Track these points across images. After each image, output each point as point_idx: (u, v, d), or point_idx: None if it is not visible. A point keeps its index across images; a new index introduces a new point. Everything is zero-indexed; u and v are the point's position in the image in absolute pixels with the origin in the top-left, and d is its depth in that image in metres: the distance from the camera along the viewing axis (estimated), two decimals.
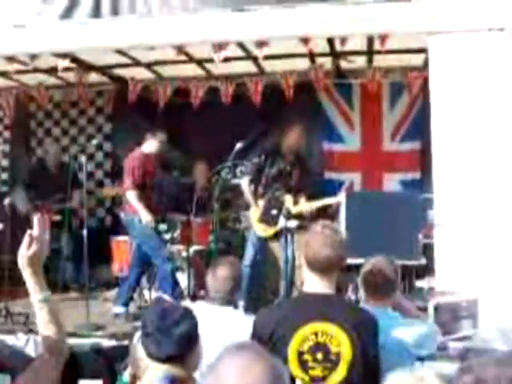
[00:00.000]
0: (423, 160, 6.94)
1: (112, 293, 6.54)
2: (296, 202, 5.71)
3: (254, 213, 5.76)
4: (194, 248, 6.24)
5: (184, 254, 6.12)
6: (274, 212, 5.29)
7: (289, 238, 5.39)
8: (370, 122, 7.24)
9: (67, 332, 5.12)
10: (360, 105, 7.26)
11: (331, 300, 2.68)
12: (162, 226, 6.07)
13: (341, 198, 5.58)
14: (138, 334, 2.14)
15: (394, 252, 4.41)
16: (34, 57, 5.64)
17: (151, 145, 6.05)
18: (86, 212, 5.85)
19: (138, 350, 2.04)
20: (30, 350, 5.07)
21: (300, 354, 2.56)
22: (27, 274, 2.04)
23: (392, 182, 7.07)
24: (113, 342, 5.06)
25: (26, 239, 2.02)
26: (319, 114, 7.23)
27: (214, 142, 6.62)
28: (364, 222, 4.74)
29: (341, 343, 2.56)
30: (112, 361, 4.97)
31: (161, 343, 1.97)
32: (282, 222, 5.24)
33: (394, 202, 5.05)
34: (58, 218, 6.80)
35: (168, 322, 2.00)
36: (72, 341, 5.08)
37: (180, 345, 1.98)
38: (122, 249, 6.64)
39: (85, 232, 5.65)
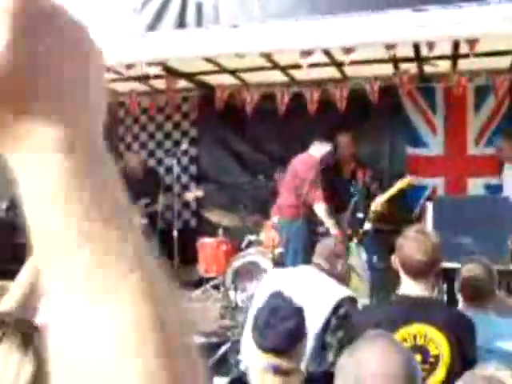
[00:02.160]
0: None
1: (197, 292, 6.77)
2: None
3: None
4: (277, 250, 6.37)
5: (269, 255, 6.25)
6: (361, 215, 5.35)
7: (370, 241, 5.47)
8: (454, 127, 7.17)
9: None
10: (444, 109, 7.20)
11: (429, 302, 2.74)
12: None
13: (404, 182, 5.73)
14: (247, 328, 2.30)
15: (483, 256, 4.41)
16: (129, 66, 5.92)
17: (318, 151, 6.04)
18: (176, 215, 6.07)
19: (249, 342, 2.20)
20: None
21: None
22: None
23: (476, 187, 6.98)
24: (200, 339, 5.25)
25: None
26: (403, 118, 7.22)
27: (299, 147, 6.71)
28: (452, 226, 4.73)
29: (439, 346, 2.61)
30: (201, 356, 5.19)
31: (267, 336, 2.11)
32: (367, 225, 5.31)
33: (483, 205, 5.01)
34: (144, 221, 7.10)
35: (277, 318, 2.14)
36: None
37: (285, 340, 2.11)
38: (208, 250, 6.86)
39: (175, 233, 5.88)
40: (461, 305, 3.15)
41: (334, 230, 5.66)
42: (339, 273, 3.56)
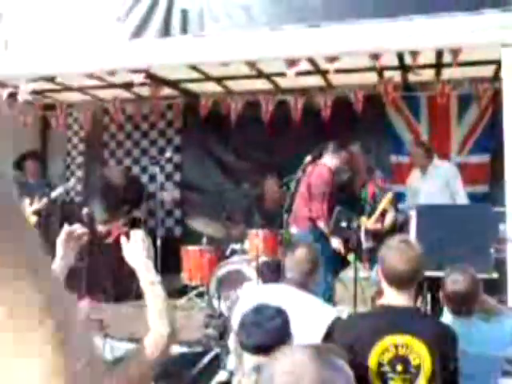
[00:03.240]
0: (492, 173, 6.88)
1: (181, 301, 6.72)
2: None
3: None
4: (262, 259, 6.35)
5: (253, 263, 6.23)
6: (344, 224, 5.34)
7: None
8: (438, 135, 7.21)
9: (140, 338, 5.34)
10: (427, 117, 7.24)
11: (411, 313, 2.74)
12: None
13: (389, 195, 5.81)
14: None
15: (466, 265, 4.42)
16: (111, 73, 5.90)
17: (331, 160, 6.02)
18: (159, 222, 6.05)
19: (233, 343, 2.20)
20: (107, 354, 5.29)
21: (380, 365, 2.63)
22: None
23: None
24: (184, 349, 5.21)
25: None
26: (387, 127, 7.25)
27: (283, 155, 6.73)
28: (434, 234, 4.74)
29: (421, 356, 2.61)
30: (183, 367, 5.14)
31: (253, 334, 2.11)
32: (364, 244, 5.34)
33: (465, 214, 5.02)
34: (127, 228, 7.08)
35: (262, 317, 2.15)
36: None
37: (269, 337, 2.10)
38: (192, 258, 6.81)
39: (158, 242, 5.85)
40: (446, 315, 3.15)
41: (339, 247, 5.68)
42: (314, 283, 3.53)
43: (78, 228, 2.12)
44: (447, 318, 3.10)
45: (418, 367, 2.61)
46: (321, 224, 5.79)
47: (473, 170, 7.05)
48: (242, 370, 2.13)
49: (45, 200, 6.83)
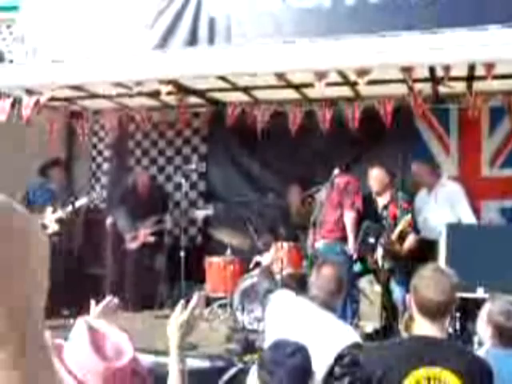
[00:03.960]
0: None
1: (204, 312, 6.66)
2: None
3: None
4: (286, 271, 6.26)
5: (277, 276, 6.15)
6: (372, 240, 5.24)
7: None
8: (468, 148, 7.06)
9: (160, 350, 5.29)
10: (458, 130, 7.09)
11: (444, 345, 2.63)
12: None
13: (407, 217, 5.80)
14: (253, 368, 2.22)
15: (498, 286, 4.30)
16: (139, 83, 5.87)
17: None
18: (183, 231, 6.01)
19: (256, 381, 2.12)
20: None
21: None
22: (174, 338, 2.05)
23: (490, 210, 6.86)
24: (206, 363, 5.14)
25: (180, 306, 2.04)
26: (415, 139, 7.12)
27: (310, 166, 6.64)
28: (466, 255, 4.62)
29: None
30: (205, 382, 5.08)
31: (274, 373, 2.03)
32: (379, 252, 5.20)
33: (499, 235, 4.90)
34: (152, 238, 7.06)
35: (281, 354, 2.07)
36: (166, 359, 5.23)
37: (291, 376, 2.03)
38: (215, 269, 6.76)
39: (182, 253, 5.81)
40: (488, 343, 3.01)
41: (351, 244, 5.58)
42: (339, 303, 3.46)
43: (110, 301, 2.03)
44: (489, 350, 2.95)
45: None
46: (349, 215, 5.88)
47: (504, 184, 6.88)
48: None
49: (69, 208, 6.82)
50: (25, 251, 0.75)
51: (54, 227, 6.78)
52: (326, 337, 3.06)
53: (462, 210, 5.92)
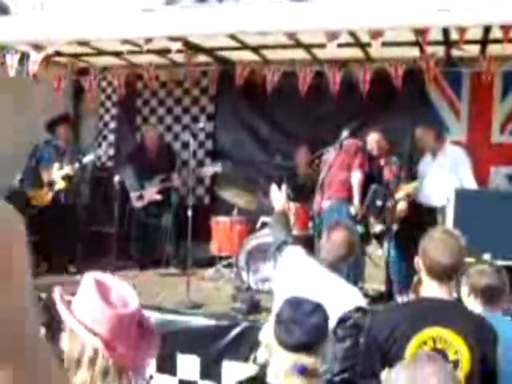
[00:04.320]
0: None
1: (209, 272, 6.72)
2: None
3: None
4: (293, 232, 6.27)
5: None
6: (379, 203, 5.23)
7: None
8: (479, 113, 6.99)
9: (165, 308, 5.33)
10: (469, 95, 7.01)
11: (450, 306, 2.65)
12: None
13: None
14: (266, 325, 2.23)
15: (505, 252, 4.30)
16: (148, 40, 5.79)
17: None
18: (191, 190, 6.02)
19: (271, 338, 2.13)
20: None
21: None
22: None
23: (499, 176, 6.82)
24: (212, 322, 5.20)
25: None
26: (426, 103, 7.04)
27: (319, 127, 6.59)
28: (473, 219, 4.61)
29: (459, 351, 2.52)
30: (211, 340, 5.15)
31: (292, 332, 2.05)
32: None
33: (505, 200, 4.88)
34: (159, 197, 7.05)
35: (300, 313, 2.08)
36: (171, 317, 5.30)
37: (310, 335, 2.05)
38: (222, 229, 6.78)
39: (189, 212, 5.81)
40: (474, 307, 3.03)
41: (356, 208, 5.58)
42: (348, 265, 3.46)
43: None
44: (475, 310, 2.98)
45: (456, 363, 2.52)
46: (356, 176, 5.85)
47: None
48: (278, 367, 2.07)
49: (76, 165, 6.81)
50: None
51: (60, 184, 6.79)
52: (331, 299, 3.07)
53: (465, 175, 5.88)
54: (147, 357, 1.78)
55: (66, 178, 6.81)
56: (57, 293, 1.75)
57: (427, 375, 1.55)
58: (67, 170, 6.79)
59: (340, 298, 3.10)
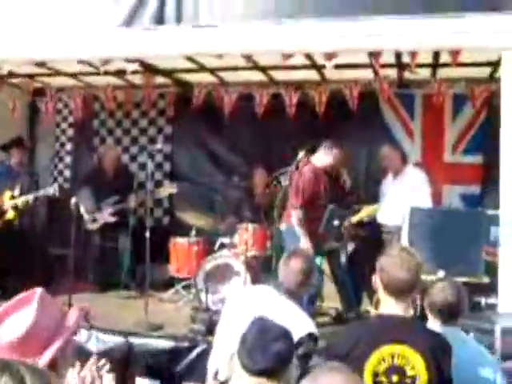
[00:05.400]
0: (484, 174, 6.87)
1: (168, 293, 6.67)
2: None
3: None
4: (251, 253, 6.30)
5: (241, 258, 6.18)
6: (336, 223, 5.30)
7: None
8: (432, 133, 7.19)
9: (124, 331, 5.25)
10: (422, 115, 7.21)
11: (408, 323, 2.70)
12: None
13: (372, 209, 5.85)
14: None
15: (458, 269, 4.41)
16: (106, 62, 5.78)
17: (323, 158, 5.78)
18: (148, 212, 5.99)
19: (234, 359, 2.13)
20: (92, 346, 5.23)
21: (375, 375, 2.59)
22: None
23: (452, 195, 7.01)
24: (171, 343, 5.16)
25: None
26: (381, 123, 7.21)
27: (276, 148, 6.67)
28: (427, 238, 4.72)
29: (416, 367, 2.57)
30: (170, 362, 5.10)
31: (256, 358, 2.05)
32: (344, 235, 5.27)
33: (458, 218, 5.01)
34: (114, 219, 6.98)
35: (266, 338, 2.09)
36: (131, 339, 5.23)
37: (273, 362, 2.05)
38: (180, 250, 6.75)
39: (147, 234, 5.78)
40: (432, 322, 3.10)
41: (304, 241, 5.54)
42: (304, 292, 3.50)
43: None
44: (434, 326, 3.05)
45: (414, 378, 2.57)
46: (293, 220, 5.64)
47: (466, 171, 7.04)
48: None
49: (30, 196, 6.63)
50: None
51: (10, 214, 6.63)
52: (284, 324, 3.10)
53: (424, 197, 6.01)
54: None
55: (17, 208, 6.65)
56: None
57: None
58: (19, 201, 6.61)
59: (292, 324, 3.12)
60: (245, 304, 3.26)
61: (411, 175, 6.20)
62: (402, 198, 5.90)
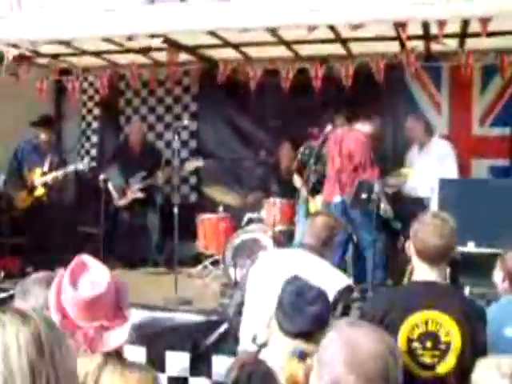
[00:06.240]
0: None
1: (197, 269, 6.72)
2: None
3: None
4: (278, 228, 6.32)
5: (269, 233, 6.20)
6: (364, 196, 5.27)
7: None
8: (459, 106, 7.09)
9: (152, 305, 5.31)
10: (449, 88, 7.11)
11: (442, 289, 2.70)
12: None
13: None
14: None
15: (490, 242, 4.37)
16: (129, 38, 5.79)
17: (366, 126, 5.85)
18: (176, 189, 6.02)
19: (271, 322, 2.15)
20: None
21: (409, 341, 2.59)
22: None
23: (481, 168, 6.93)
24: (200, 317, 5.21)
25: None
26: (407, 97, 7.13)
27: (302, 123, 6.62)
28: (457, 209, 4.67)
29: (450, 332, 2.57)
30: (199, 335, 5.15)
31: (294, 320, 2.07)
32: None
33: (490, 189, 4.95)
34: (142, 195, 7.03)
35: (303, 301, 2.10)
36: (160, 314, 5.30)
37: (312, 323, 2.06)
38: (208, 226, 6.79)
39: (176, 210, 5.82)
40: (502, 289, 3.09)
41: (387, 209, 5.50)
42: (330, 251, 3.50)
43: None
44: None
45: (448, 344, 2.57)
46: (378, 185, 5.42)
47: (494, 143, 6.95)
48: (278, 350, 2.09)
49: (59, 173, 6.72)
50: None
51: (40, 191, 6.72)
52: (319, 280, 3.11)
53: (449, 168, 5.97)
54: (114, 338, 1.93)
55: (47, 185, 6.74)
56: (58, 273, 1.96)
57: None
58: (49, 178, 6.71)
59: (326, 281, 3.13)
60: (275, 266, 3.26)
61: (437, 146, 6.16)
62: (429, 169, 5.87)
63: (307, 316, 2.07)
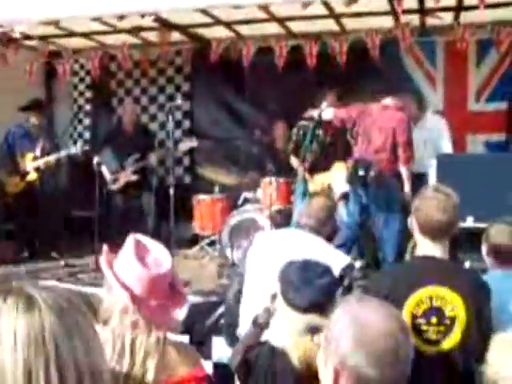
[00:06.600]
0: (509, 121, 6.73)
1: (193, 250, 6.69)
2: None
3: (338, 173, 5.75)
4: (275, 207, 6.27)
5: (266, 212, 6.16)
6: (362, 173, 5.22)
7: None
8: (454, 81, 7.02)
9: None
10: (444, 63, 7.04)
11: (445, 264, 2.66)
12: None
13: None
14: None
15: (489, 216, 4.33)
16: (119, 17, 5.68)
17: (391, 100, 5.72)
18: (171, 169, 5.97)
19: (277, 300, 2.13)
20: None
21: (414, 317, 2.56)
22: None
23: (476, 144, 6.89)
24: (198, 299, 5.18)
25: None
26: (402, 72, 7.06)
27: (297, 101, 6.55)
28: (456, 184, 4.63)
29: (455, 307, 2.54)
30: (199, 316, 5.13)
31: (304, 292, 2.04)
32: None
33: (488, 164, 4.92)
34: (136, 177, 6.95)
35: (311, 274, 2.08)
36: None
37: (322, 294, 2.04)
38: (203, 207, 6.75)
39: (171, 191, 5.77)
40: (492, 266, 3.06)
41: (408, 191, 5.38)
42: (328, 233, 3.48)
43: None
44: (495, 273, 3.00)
45: (453, 319, 2.54)
46: (407, 171, 5.39)
47: (489, 118, 6.90)
48: (286, 327, 2.06)
49: (51, 157, 6.64)
50: None
51: (32, 175, 6.64)
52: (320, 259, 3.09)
53: (444, 144, 5.93)
54: (175, 315, 1.91)
55: (40, 169, 6.66)
56: (103, 250, 1.93)
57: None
58: (41, 162, 6.63)
59: (328, 259, 3.11)
60: (274, 247, 3.24)
61: (430, 122, 6.10)
62: (424, 145, 5.82)
63: (317, 287, 2.05)
